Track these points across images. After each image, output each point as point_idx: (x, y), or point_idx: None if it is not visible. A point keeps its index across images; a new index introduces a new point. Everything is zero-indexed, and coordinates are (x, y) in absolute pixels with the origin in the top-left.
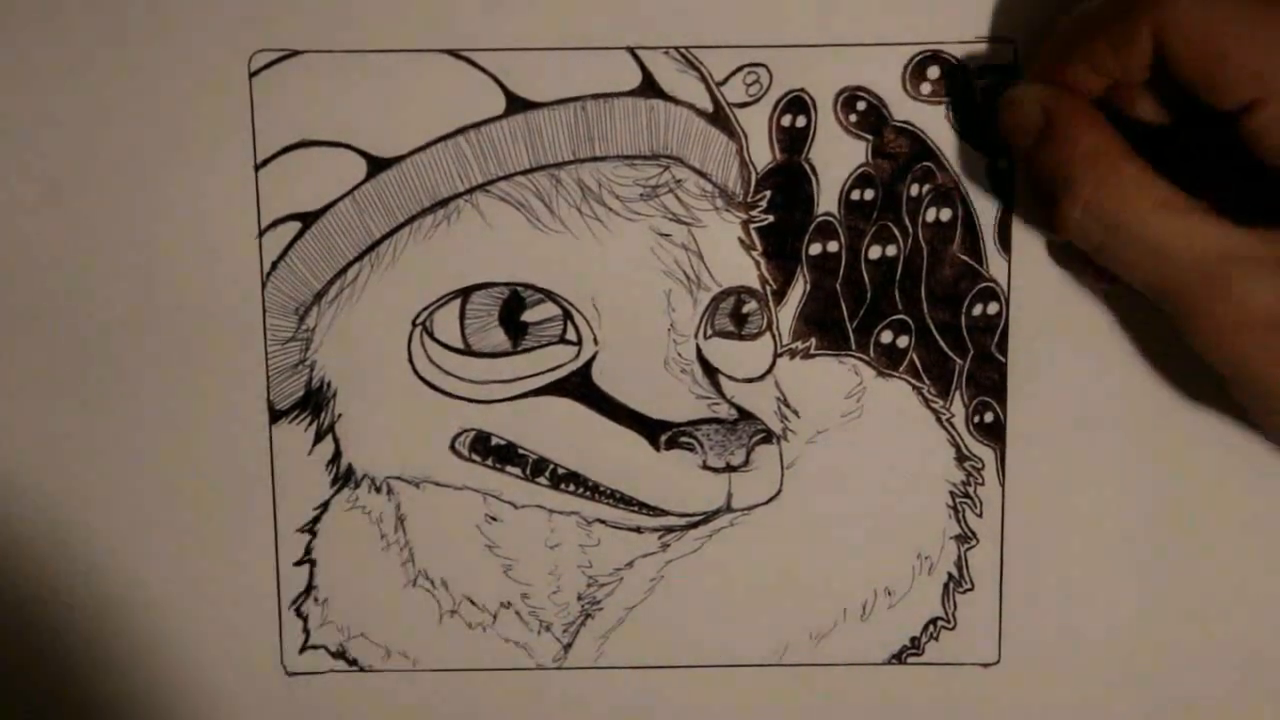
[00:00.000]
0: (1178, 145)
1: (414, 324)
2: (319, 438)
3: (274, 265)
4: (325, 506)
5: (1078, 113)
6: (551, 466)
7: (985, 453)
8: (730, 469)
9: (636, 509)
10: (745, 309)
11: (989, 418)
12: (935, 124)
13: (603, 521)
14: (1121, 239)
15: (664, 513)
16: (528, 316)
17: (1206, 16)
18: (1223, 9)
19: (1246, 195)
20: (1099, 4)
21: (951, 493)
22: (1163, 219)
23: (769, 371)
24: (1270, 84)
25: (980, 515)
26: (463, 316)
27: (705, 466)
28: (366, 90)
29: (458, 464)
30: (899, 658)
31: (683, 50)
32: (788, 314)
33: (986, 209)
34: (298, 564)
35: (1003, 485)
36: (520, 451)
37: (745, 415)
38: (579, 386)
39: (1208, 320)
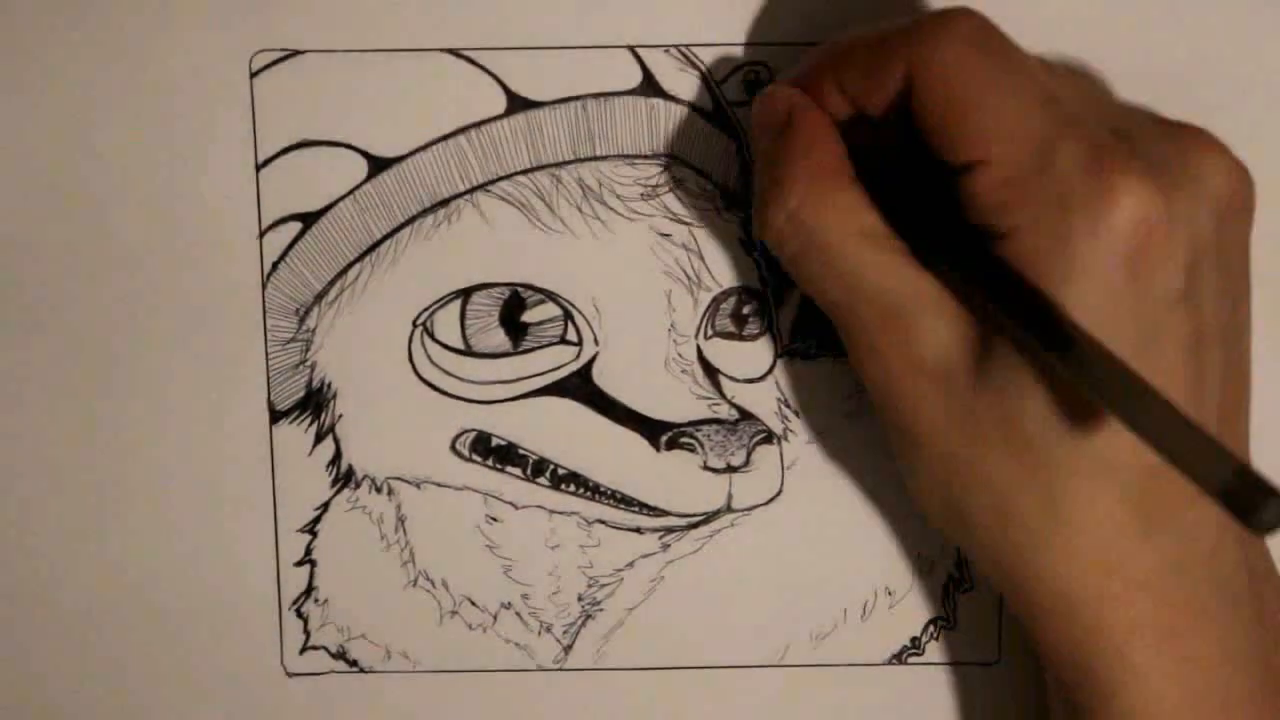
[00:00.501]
0: (899, 184)
1: (414, 324)
2: (319, 438)
3: (274, 266)
4: (325, 507)
5: (816, 124)
6: (552, 467)
7: None
8: (731, 469)
9: (637, 509)
10: (746, 309)
11: None
12: None
13: (603, 522)
14: (815, 259)
15: (664, 513)
16: (528, 317)
17: (958, 66)
18: (974, 64)
19: (947, 244)
20: (865, 31)
21: None
22: (859, 248)
23: (769, 372)
24: (994, 148)
25: None
26: (463, 317)
27: (706, 467)
28: (367, 90)
29: (458, 464)
30: (899, 658)
31: (683, 49)
32: (788, 314)
33: None
34: (298, 565)
35: None
36: (520, 452)
37: (746, 416)
38: (579, 387)
39: (880, 358)
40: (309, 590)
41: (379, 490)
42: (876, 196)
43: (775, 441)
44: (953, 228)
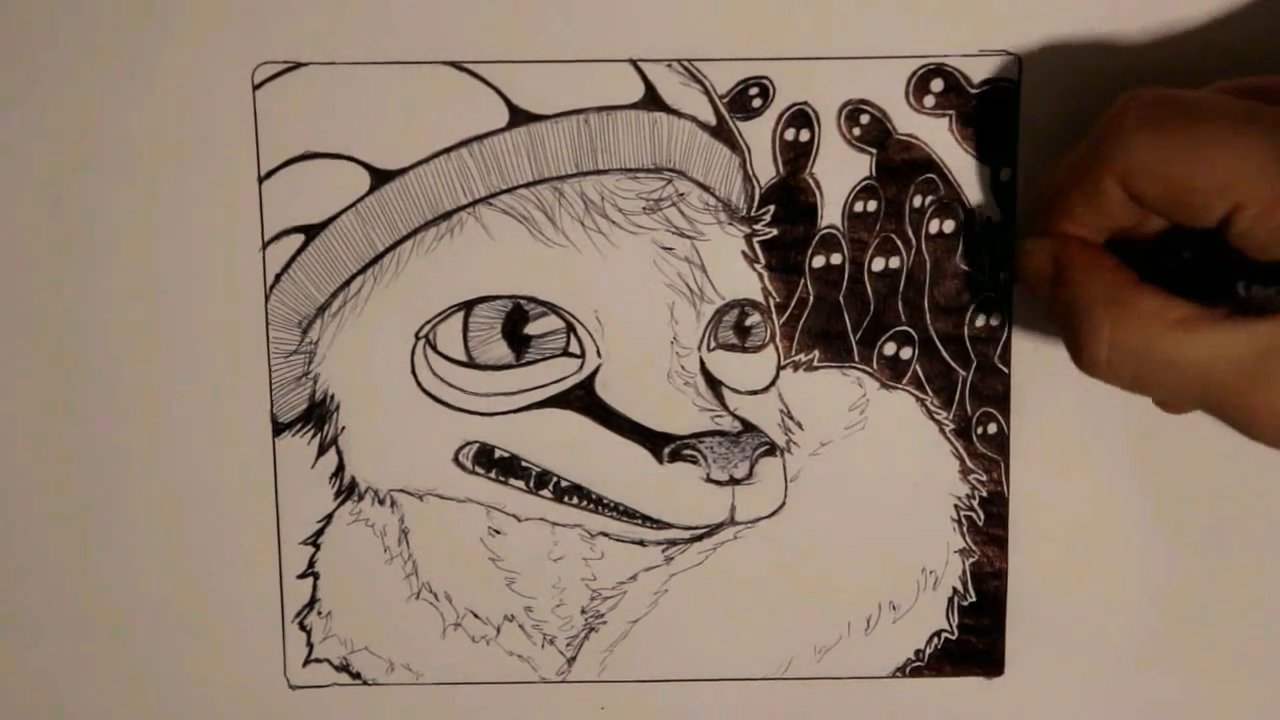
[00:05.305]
0: (1187, 257)
1: (417, 337)
2: (322, 451)
3: (277, 278)
4: (329, 519)
5: (1084, 256)
6: (555, 479)
7: (989, 465)
8: (734, 482)
9: (640, 522)
10: (748, 321)
11: (992, 429)
12: (938, 136)
13: (606, 534)
14: (1154, 367)
15: (668, 526)
16: (531, 329)
17: (1160, 153)
18: (1173, 142)
19: (1262, 283)
20: (1063, 168)
21: (956, 505)
22: (1189, 337)
23: (772, 384)
24: (1238, 192)
25: (984, 527)
26: (466, 329)
27: (709, 479)
28: (370, 102)
29: (461, 477)
30: (903, 670)
31: (685, 63)
32: (791, 326)
33: (989, 220)
34: (301, 577)
35: (1007, 497)
36: (523, 464)
37: (749, 427)
38: (582, 399)
39: (1260, 415)
40: (312, 603)
41: (382, 503)
42: (1165, 281)
43: (778, 454)
44: (1249, 268)
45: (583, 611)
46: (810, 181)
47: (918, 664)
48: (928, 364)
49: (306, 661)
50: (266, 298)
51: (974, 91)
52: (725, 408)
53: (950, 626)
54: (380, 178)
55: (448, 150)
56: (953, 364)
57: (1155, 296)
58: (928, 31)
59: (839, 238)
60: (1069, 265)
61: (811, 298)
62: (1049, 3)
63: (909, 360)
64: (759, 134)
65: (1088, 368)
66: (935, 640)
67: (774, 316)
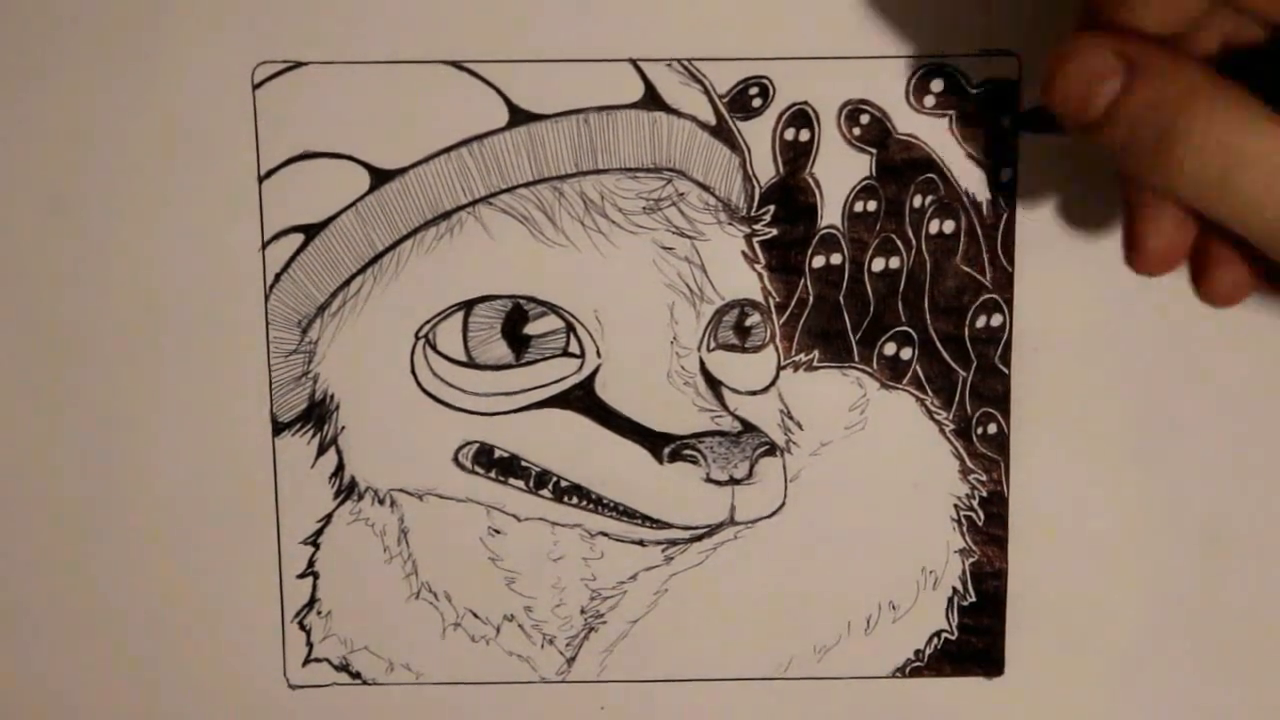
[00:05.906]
0: (1255, 72)
1: (417, 336)
2: (322, 450)
3: (277, 278)
4: (328, 519)
5: (1161, 51)
6: (555, 479)
7: (989, 465)
8: (734, 482)
9: (640, 522)
10: (748, 321)
11: (992, 429)
12: (938, 136)
13: (606, 534)
14: (1248, 169)
15: (667, 526)
16: (530, 329)
17: None
18: None
19: None
20: None
21: (955, 505)
22: None
23: (772, 384)
24: None
25: (984, 527)
26: (465, 329)
27: (709, 479)
28: (370, 102)
29: (461, 476)
30: (903, 670)
31: (685, 62)
32: (791, 326)
33: (989, 220)
34: (301, 577)
35: (1007, 497)
36: (523, 464)
37: (749, 428)
38: (582, 399)
39: None
40: (312, 602)
41: (381, 502)
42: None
43: (778, 454)
44: None
45: (582, 611)
46: (810, 181)
47: (918, 664)
48: (928, 364)
49: (306, 661)
50: (266, 297)
51: (974, 91)
52: (725, 408)
53: (950, 626)
54: (380, 177)
55: (448, 150)
56: (953, 364)
57: (1249, 95)
58: (928, 31)
59: (839, 238)
60: (1145, 61)
61: (811, 298)
62: (1049, 3)
63: (909, 360)
64: (759, 134)
65: (1168, 175)
66: (935, 640)
67: (774, 316)
